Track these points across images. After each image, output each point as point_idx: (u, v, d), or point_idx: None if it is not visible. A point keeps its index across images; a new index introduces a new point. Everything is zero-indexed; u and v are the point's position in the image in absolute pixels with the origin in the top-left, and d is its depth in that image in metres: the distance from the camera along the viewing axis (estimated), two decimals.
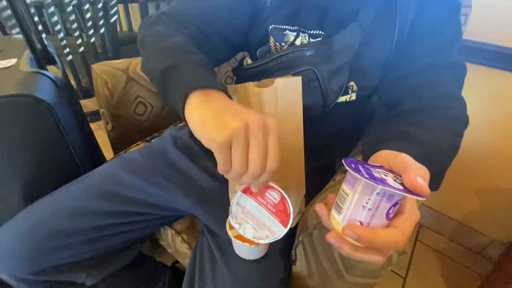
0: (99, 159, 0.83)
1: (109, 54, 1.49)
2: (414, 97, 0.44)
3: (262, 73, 0.52)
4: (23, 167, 0.52)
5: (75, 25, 1.33)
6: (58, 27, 1.32)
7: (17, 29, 1.05)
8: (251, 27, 0.52)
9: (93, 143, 0.78)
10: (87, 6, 1.35)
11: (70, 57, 1.34)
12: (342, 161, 0.27)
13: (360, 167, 0.25)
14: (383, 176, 0.25)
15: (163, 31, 0.41)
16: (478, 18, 0.79)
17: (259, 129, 0.29)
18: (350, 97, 0.53)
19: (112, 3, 1.38)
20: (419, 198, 0.23)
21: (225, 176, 0.31)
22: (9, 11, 1.03)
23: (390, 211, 0.25)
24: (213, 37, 0.49)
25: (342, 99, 0.52)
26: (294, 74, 0.46)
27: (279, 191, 0.35)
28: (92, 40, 1.40)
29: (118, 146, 0.83)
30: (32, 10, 1.12)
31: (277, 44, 0.51)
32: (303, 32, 0.49)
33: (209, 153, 0.32)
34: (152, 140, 0.66)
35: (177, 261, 0.84)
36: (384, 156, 0.29)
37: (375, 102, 0.67)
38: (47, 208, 0.47)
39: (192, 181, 0.54)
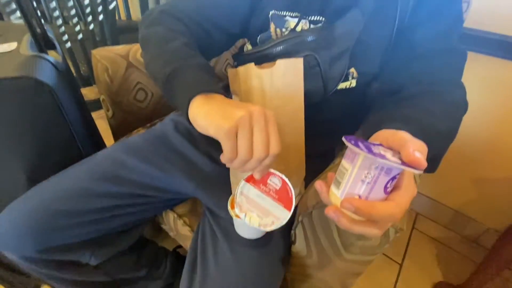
0: (100, 146, 0.84)
1: (108, 42, 1.48)
2: (414, 82, 0.45)
3: (263, 58, 0.52)
4: (26, 149, 0.52)
5: (73, 12, 1.31)
6: (57, 13, 1.31)
7: (15, 15, 1.04)
8: (251, 14, 0.52)
9: (94, 129, 0.78)
10: None
11: (69, 44, 1.32)
12: (342, 138, 0.27)
13: (360, 143, 0.26)
14: (382, 152, 0.25)
15: (163, 34, 0.43)
16: (480, 6, 0.79)
17: (261, 117, 0.31)
18: (350, 83, 0.53)
19: None
20: (416, 171, 0.23)
21: (230, 165, 0.33)
22: None
23: (388, 185, 0.25)
24: (211, 30, 0.50)
25: (342, 85, 0.52)
26: None
27: (279, 176, 0.36)
28: (91, 27, 1.38)
29: (119, 133, 0.83)
30: None
31: (278, 30, 0.51)
32: (304, 18, 0.49)
33: (209, 138, 0.34)
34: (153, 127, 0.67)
35: (178, 247, 0.86)
36: (383, 134, 0.30)
37: (374, 90, 0.68)
38: (51, 189, 0.48)
39: (194, 165, 0.55)
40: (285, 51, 0.49)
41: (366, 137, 0.35)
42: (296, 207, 0.50)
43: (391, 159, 0.24)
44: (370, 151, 0.24)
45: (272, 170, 0.36)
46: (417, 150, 0.24)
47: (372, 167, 0.25)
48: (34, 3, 0.69)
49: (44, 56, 0.56)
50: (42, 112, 0.51)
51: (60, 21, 1.30)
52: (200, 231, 0.52)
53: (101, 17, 1.39)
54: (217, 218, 0.51)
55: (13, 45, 0.60)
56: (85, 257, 0.51)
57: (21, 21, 0.76)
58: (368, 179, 0.25)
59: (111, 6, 1.40)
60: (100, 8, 1.37)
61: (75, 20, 1.33)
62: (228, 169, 0.50)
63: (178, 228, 0.62)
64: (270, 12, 0.49)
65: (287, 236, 0.50)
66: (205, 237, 0.49)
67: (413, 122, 0.35)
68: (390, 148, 0.28)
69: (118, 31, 1.48)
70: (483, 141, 0.96)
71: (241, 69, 0.42)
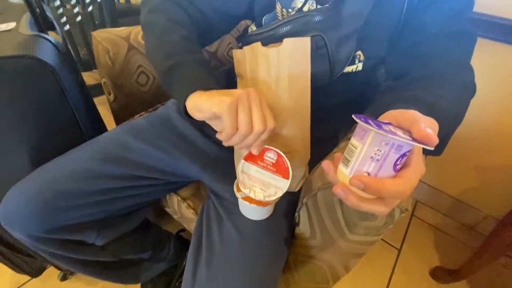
0: (102, 130, 0.83)
1: (107, 26, 1.45)
2: (422, 65, 0.44)
3: (268, 39, 0.51)
4: (29, 131, 0.52)
5: None
6: None
7: None
8: None
9: (96, 113, 0.78)
10: None
11: (67, 27, 1.29)
12: (352, 115, 0.27)
13: (370, 121, 0.26)
14: (393, 130, 0.25)
15: (164, 24, 0.44)
16: None
17: (257, 96, 0.35)
18: (357, 67, 0.52)
19: None
20: (428, 147, 0.23)
21: (228, 142, 0.35)
22: None
23: (398, 163, 0.25)
24: (211, 14, 0.51)
25: (348, 69, 0.52)
26: None
27: (274, 150, 0.38)
28: (90, 9, 1.35)
29: (121, 117, 0.82)
30: None
31: (284, 10, 0.50)
32: None
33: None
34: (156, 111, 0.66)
35: (181, 230, 0.87)
36: (393, 114, 0.30)
37: (380, 75, 0.67)
38: (56, 170, 0.48)
39: (197, 147, 0.55)
40: (291, 32, 0.48)
41: (374, 117, 0.35)
42: (300, 190, 0.50)
43: (402, 136, 0.24)
44: (380, 128, 0.24)
45: (266, 146, 0.38)
46: (428, 126, 0.24)
47: (382, 144, 0.24)
48: None
49: (44, 36, 0.55)
50: (44, 92, 0.50)
51: (58, 2, 1.27)
52: (204, 212, 0.52)
53: None
54: (221, 200, 0.51)
55: (11, 25, 0.59)
56: (91, 238, 0.52)
57: (19, 1, 0.74)
58: (378, 156, 0.25)
59: None
60: None
61: (73, 1, 1.30)
62: (231, 152, 0.50)
63: (182, 211, 0.63)
64: None
65: (290, 218, 0.51)
66: (210, 218, 0.50)
67: (421, 103, 0.35)
68: (399, 127, 0.28)
69: (118, 15, 1.45)
70: (483, 130, 0.96)
71: (247, 48, 0.42)
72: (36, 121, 0.52)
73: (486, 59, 0.86)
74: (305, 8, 0.48)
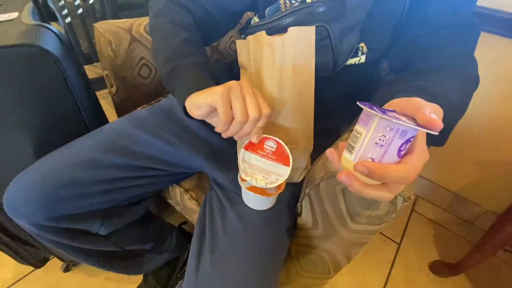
0: (105, 122, 0.83)
1: (108, 19, 1.44)
2: (425, 58, 0.44)
3: (272, 30, 0.51)
4: (32, 120, 0.52)
5: None
6: None
7: None
8: None
9: (98, 105, 0.77)
10: None
11: (68, 19, 1.28)
12: (357, 102, 0.27)
13: (375, 107, 0.26)
14: (397, 116, 0.25)
15: (167, 28, 0.46)
16: None
17: (249, 86, 0.36)
18: (360, 59, 0.52)
19: None
20: (432, 132, 0.23)
21: (227, 133, 0.36)
22: None
23: (402, 148, 0.25)
24: (215, 13, 0.53)
25: (351, 61, 0.52)
26: None
27: (273, 139, 0.39)
28: (91, 1, 1.34)
29: (123, 110, 0.82)
30: None
31: (287, 1, 0.50)
32: None
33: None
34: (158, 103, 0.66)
35: (183, 223, 0.87)
36: (397, 102, 0.30)
37: (383, 69, 0.67)
38: (60, 159, 0.48)
39: (200, 138, 0.55)
40: (295, 22, 0.47)
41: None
42: (302, 180, 0.51)
43: (406, 121, 0.24)
44: (385, 114, 0.24)
45: (265, 135, 0.39)
46: (433, 112, 0.24)
47: (387, 129, 0.25)
48: None
49: (47, 26, 0.55)
50: (47, 82, 0.50)
51: None
52: (207, 202, 0.53)
53: None
54: (224, 190, 0.51)
55: (14, 15, 0.59)
56: (95, 227, 0.52)
57: None
58: (382, 142, 0.25)
59: None
60: None
61: None
62: (234, 142, 0.50)
63: (185, 202, 0.63)
64: None
65: (293, 208, 0.51)
66: (213, 208, 0.50)
67: (425, 92, 0.35)
68: (404, 115, 0.28)
69: (119, 8, 1.44)
70: (483, 125, 0.96)
71: (251, 38, 0.41)
72: (39, 110, 0.52)
73: (488, 53, 0.86)
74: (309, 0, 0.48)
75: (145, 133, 0.53)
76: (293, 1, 0.49)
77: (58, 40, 0.56)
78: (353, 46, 0.48)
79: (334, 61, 0.48)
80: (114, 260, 0.62)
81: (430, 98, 0.33)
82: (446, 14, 0.44)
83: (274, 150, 0.39)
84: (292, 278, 0.59)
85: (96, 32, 0.72)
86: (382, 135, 0.25)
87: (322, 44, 0.46)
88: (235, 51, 0.69)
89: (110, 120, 0.90)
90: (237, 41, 0.47)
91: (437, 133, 0.24)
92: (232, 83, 0.35)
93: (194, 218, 0.64)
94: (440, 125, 0.23)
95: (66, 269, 0.85)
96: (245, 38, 0.62)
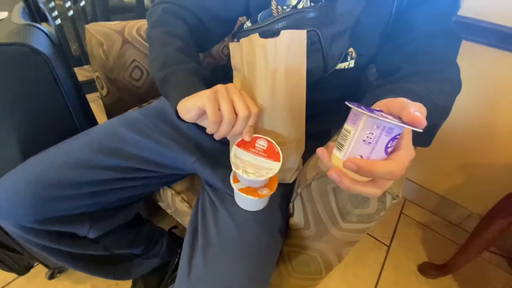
0: (94, 124, 0.82)
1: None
2: (411, 63, 0.46)
3: (264, 34, 0.52)
4: (20, 121, 0.51)
5: None
6: None
7: None
8: None
9: (88, 106, 0.77)
10: None
11: (59, 21, 1.27)
12: (346, 102, 0.28)
13: (362, 107, 0.27)
14: (384, 115, 0.26)
15: (162, 37, 0.48)
16: None
17: (236, 88, 0.38)
18: (349, 64, 0.54)
19: None
20: (417, 129, 0.25)
21: (218, 133, 0.37)
22: None
23: (389, 145, 0.27)
24: (210, 22, 0.55)
25: (340, 66, 0.53)
26: None
27: (265, 138, 0.40)
28: (82, 4, 1.33)
29: (113, 112, 0.81)
30: None
31: (279, 7, 0.52)
32: None
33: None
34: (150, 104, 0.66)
35: (174, 227, 0.86)
36: (383, 102, 0.31)
37: (371, 74, 0.69)
38: (48, 159, 0.47)
39: (192, 140, 0.55)
40: (286, 27, 0.49)
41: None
42: (294, 181, 0.51)
43: (392, 119, 0.25)
44: (372, 112, 0.25)
45: (257, 135, 0.41)
46: (417, 110, 0.25)
47: (374, 127, 0.26)
48: None
49: (37, 26, 0.55)
50: (37, 81, 0.49)
51: None
52: (200, 204, 0.53)
53: None
54: (216, 191, 0.51)
55: (3, 14, 0.58)
56: (84, 230, 0.51)
57: None
58: (370, 139, 0.26)
59: None
60: None
61: None
62: (226, 143, 0.51)
63: (176, 205, 0.62)
64: None
65: (285, 209, 0.51)
66: (205, 209, 0.50)
67: (411, 94, 0.36)
68: (391, 114, 0.29)
69: (110, 11, 1.44)
70: (469, 129, 1.00)
71: (244, 40, 0.42)
72: (28, 110, 0.51)
73: (472, 62, 0.90)
74: (300, 5, 0.50)
75: (136, 134, 0.52)
76: (284, 7, 0.51)
77: (49, 41, 0.55)
78: (342, 51, 0.50)
79: (324, 65, 0.49)
80: (102, 265, 0.61)
81: (415, 99, 0.35)
82: (430, 22, 0.47)
83: (265, 148, 0.40)
84: (284, 279, 0.59)
85: (88, 33, 0.71)
86: (370, 133, 0.26)
87: (313, 48, 0.47)
88: (228, 55, 0.70)
89: (99, 123, 0.89)
90: (230, 44, 0.48)
91: (421, 130, 0.25)
92: (219, 86, 0.37)
93: (185, 221, 0.63)
94: (424, 123, 0.24)
95: (51, 277, 0.82)
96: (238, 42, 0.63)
